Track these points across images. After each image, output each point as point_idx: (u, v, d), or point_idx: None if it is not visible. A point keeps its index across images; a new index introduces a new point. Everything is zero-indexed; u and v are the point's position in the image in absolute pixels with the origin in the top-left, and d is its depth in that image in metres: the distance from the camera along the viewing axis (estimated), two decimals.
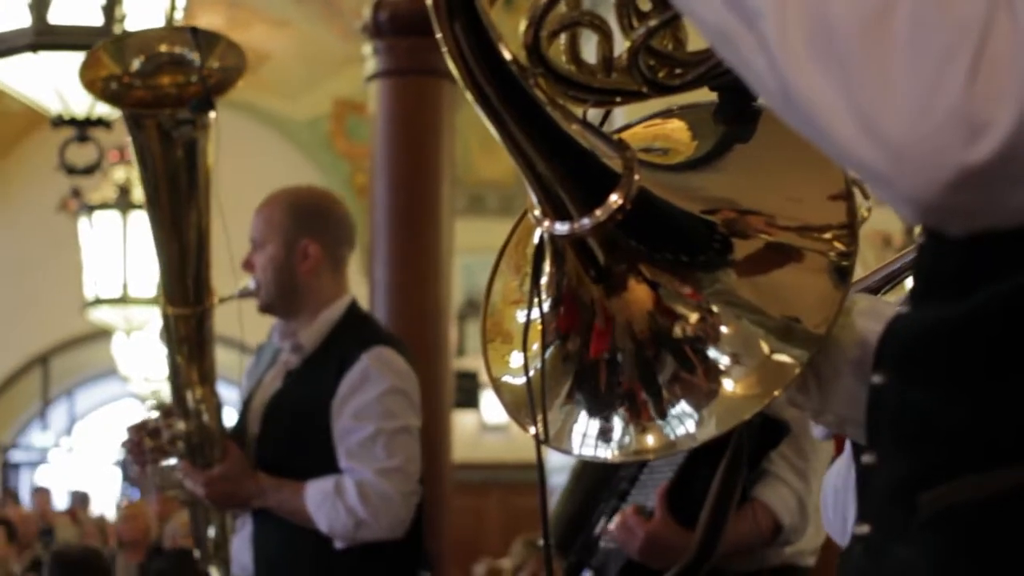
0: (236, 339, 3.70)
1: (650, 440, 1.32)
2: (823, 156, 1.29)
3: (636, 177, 1.28)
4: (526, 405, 1.39)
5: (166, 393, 3.91)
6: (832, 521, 3.06)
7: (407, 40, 5.66)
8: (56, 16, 5.23)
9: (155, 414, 3.80)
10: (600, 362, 1.34)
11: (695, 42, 1.30)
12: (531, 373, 1.39)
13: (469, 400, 14.39)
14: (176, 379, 3.71)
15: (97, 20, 5.28)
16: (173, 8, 5.35)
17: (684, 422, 1.29)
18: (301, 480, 3.62)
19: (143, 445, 3.78)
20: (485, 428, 15.27)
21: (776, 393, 1.28)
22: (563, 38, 1.34)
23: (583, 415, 1.35)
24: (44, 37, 5.25)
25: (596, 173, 1.29)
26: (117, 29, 5.23)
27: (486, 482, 14.36)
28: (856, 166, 0.91)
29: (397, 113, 5.73)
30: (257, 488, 3.63)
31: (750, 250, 1.30)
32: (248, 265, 3.75)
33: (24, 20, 5.30)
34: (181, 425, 3.67)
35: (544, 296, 1.39)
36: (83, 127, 5.51)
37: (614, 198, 1.27)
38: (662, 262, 1.31)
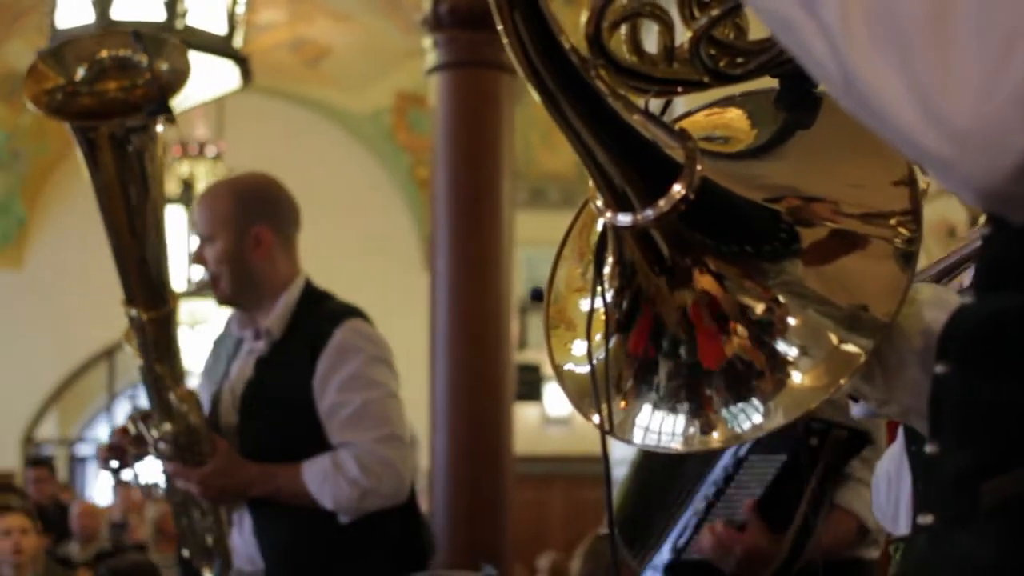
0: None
1: (715, 433, 1.31)
2: (884, 142, 1.28)
3: (698, 167, 1.27)
4: (589, 395, 1.38)
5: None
6: (884, 507, 3.04)
7: (467, 33, 5.65)
8: (119, 12, 5.26)
9: (130, 423, 3.82)
10: (663, 357, 1.33)
11: (756, 30, 1.28)
12: (594, 362, 1.38)
13: (531, 393, 14.39)
14: (155, 382, 3.71)
15: (159, 15, 5.30)
16: (235, 3, 5.37)
17: (750, 414, 1.28)
18: (289, 463, 3.64)
19: (126, 452, 3.82)
20: (548, 421, 15.25)
21: (842, 382, 1.26)
22: (624, 29, 1.32)
23: (647, 407, 1.35)
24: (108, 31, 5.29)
25: (658, 164, 1.27)
26: (179, 24, 5.26)
27: (549, 475, 14.35)
28: (918, 152, 0.90)
29: (458, 106, 5.72)
30: (251, 478, 3.64)
31: (814, 238, 1.28)
32: (199, 259, 3.77)
33: (87, 16, 5.34)
34: (167, 427, 3.67)
35: (607, 286, 1.37)
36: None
37: (677, 188, 1.26)
38: (726, 253, 1.29)
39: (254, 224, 3.74)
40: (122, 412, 19.58)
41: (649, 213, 1.27)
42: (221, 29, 5.32)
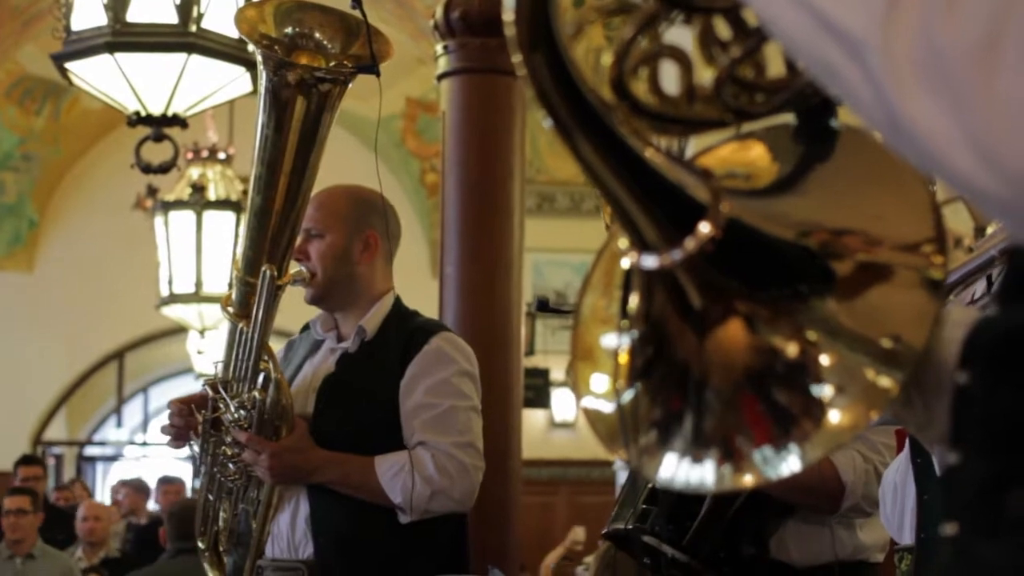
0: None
1: (748, 478, 1.26)
2: (906, 170, 1.27)
3: (724, 207, 1.24)
4: (617, 434, 1.35)
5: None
6: (890, 516, 3.06)
7: (479, 39, 5.67)
8: (134, 15, 5.30)
9: (209, 387, 3.81)
10: (691, 402, 1.30)
11: (775, 66, 1.28)
12: (621, 403, 1.35)
13: (539, 398, 14.41)
14: (259, 349, 3.69)
15: (173, 19, 5.34)
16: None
17: (784, 458, 1.24)
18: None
19: (193, 420, 3.82)
20: (554, 425, 15.28)
21: (873, 416, 1.23)
22: (644, 70, 1.30)
23: (675, 451, 1.30)
24: (121, 36, 5.33)
25: (683, 205, 1.25)
26: (192, 28, 5.30)
27: (554, 479, 14.37)
28: (975, 194, 0.88)
29: (468, 112, 5.74)
30: (321, 461, 3.67)
31: (843, 272, 1.26)
32: (302, 253, 3.77)
33: (101, 19, 5.38)
34: (256, 395, 3.66)
35: (633, 328, 1.34)
36: (159, 125, 5.58)
37: (703, 229, 1.23)
38: (755, 293, 1.27)
39: (367, 228, 3.81)
40: (131, 415, 19.61)
41: (675, 255, 1.23)
42: (234, 34, 5.37)
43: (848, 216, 1.30)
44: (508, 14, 1.17)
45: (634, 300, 1.33)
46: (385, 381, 3.70)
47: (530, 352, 11.63)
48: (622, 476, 11.29)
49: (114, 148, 15.42)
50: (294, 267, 3.76)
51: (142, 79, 5.42)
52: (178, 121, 5.57)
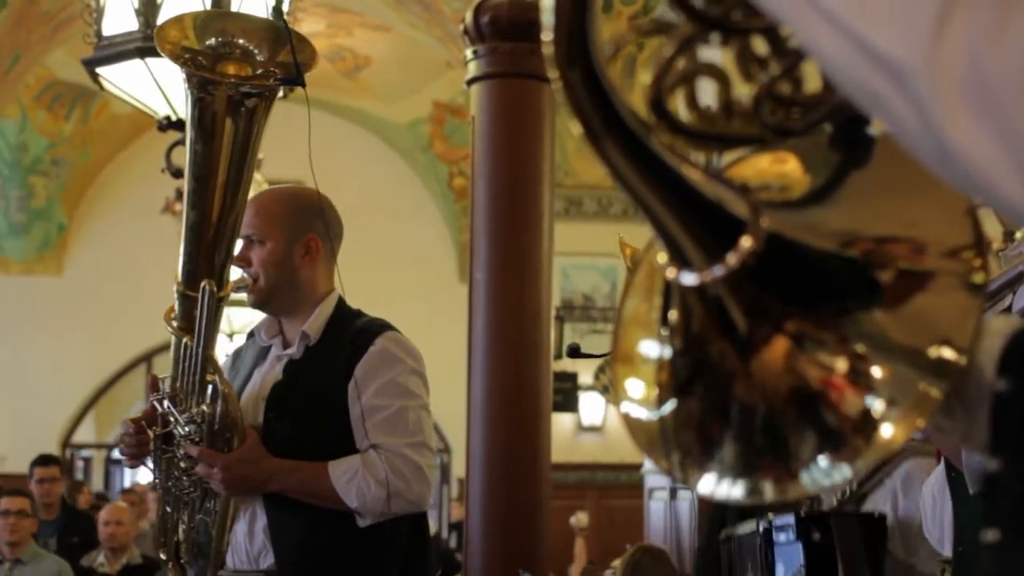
0: None
1: (793, 490, 1.25)
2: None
3: (764, 221, 1.22)
4: (657, 444, 1.33)
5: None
6: (931, 530, 3.06)
7: (508, 43, 5.67)
8: (163, 20, 5.31)
9: (156, 403, 3.77)
10: (735, 418, 1.28)
11: (812, 81, 1.27)
12: (661, 415, 1.33)
13: (567, 403, 14.40)
14: (203, 363, 3.67)
15: None
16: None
17: (831, 473, 1.22)
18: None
19: (145, 437, 3.78)
20: (582, 429, 15.28)
21: (919, 424, 1.21)
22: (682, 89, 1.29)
23: (719, 469, 1.28)
24: (152, 41, 5.34)
25: (722, 221, 1.23)
26: None
27: (582, 483, 14.36)
28: None
29: (497, 116, 5.74)
30: (274, 470, 3.65)
31: (887, 282, 1.24)
32: (242, 259, 3.76)
33: (132, 24, 5.40)
34: (204, 408, 3.65)
35: (673, 340, 1.33)
36: None
37: (744, 245, 1.21)
38: (799, 308, 1.25)
39: (307, 232, 3.79)
40: None
41: (716, 271, 1.22)
42: None
43: (888, 224, 1.29)
44: (547, 33, 1.17)
45: (674, 314, 1.32)
46: (333, 385, 3.69)
47: (558, 356, 11.61)
48: (649, 480, 11.30)
49: (143, 152, 15.48)
50: (238, 273, 3.76)
51: (172, 84, 5.43)
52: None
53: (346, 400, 3.68)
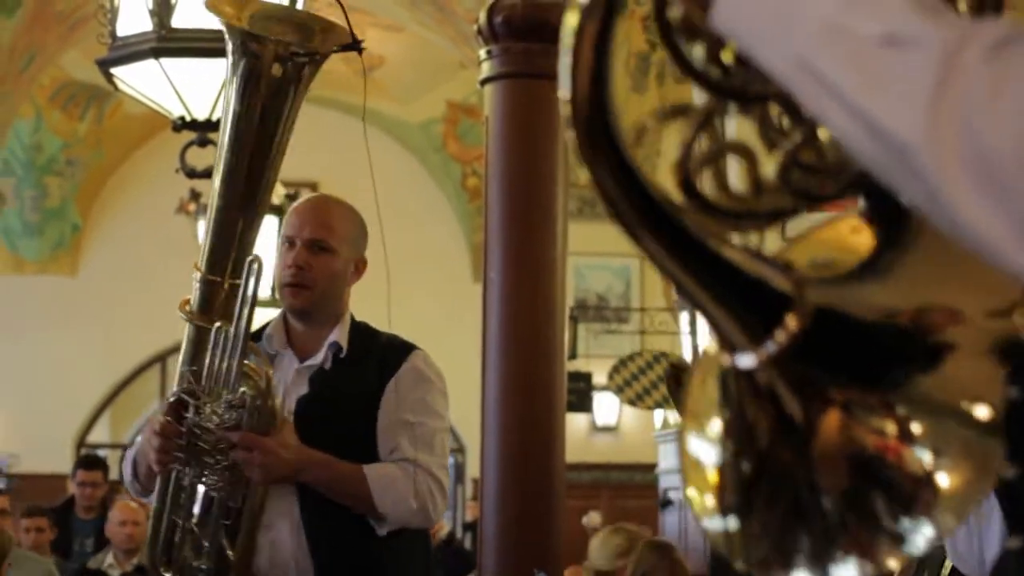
0: None
1: (886, 560, 1.21)
2: None
3: (810, 296, 1.21)
4: (738, 549, 1.29)
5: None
6: (964, 555, 3.01)
7: (522, 44, 5.67)
8: (179, 20, 5.33)
9: (178, 399, 3.65)
10: (806, 507, 1.25)
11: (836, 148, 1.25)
12: (731, 522, 1.30)
13: (581, 402, 14.40)
14: (242, 346, 3.57)
15: (218, 24, 5.36)
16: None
17: (915, 533, 1.19)
18: None
19: (177, 429, 3.61)
20: (596, 429, 15.27)
21: (992, 482, 1.18)
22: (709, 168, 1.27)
23: (807, 562, 1.24)
24: (166, 42, 5.35)
25: (767, 300, 1.21)
26: None
27: (596, 483, 14.36)
28: None
29: (511, 116, 5.74)
30: (310, 460, 3.63)
31: (937, 348, 1.22)
32: (305, 263, 3.72)
33: (146, 25, 5.41)
34: (245, 390, 3.57)
35: (731, 438, 1.30)
36: (203, 130, 5.60)
37: (790, 324, 1.19)
38: (851, 382, 1.23)
39: (361, 252, 3.88)
40: None
41: (766, 349, 1.20)
42: None
43: (934, 291, 1.27)
44: (569, 133, 1.18)
45: (726, 411, 1.30)
46: (366, 395, 3.71)
47: (572, 356, 11.62)
48: (664, 480, 11.30)
49: (157, 153, 15.51)
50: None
51: (187, 84, 5.44)
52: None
53: (375, 411, 3.70)
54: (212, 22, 5.37)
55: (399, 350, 3.80)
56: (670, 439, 11.39)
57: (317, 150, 15.88)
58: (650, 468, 11.73)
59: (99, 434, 18.14)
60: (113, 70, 5.58)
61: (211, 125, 5.56)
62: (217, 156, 3.61)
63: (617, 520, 13.74)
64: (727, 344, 1.24)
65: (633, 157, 1.19)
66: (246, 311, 3.57)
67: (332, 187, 16.32)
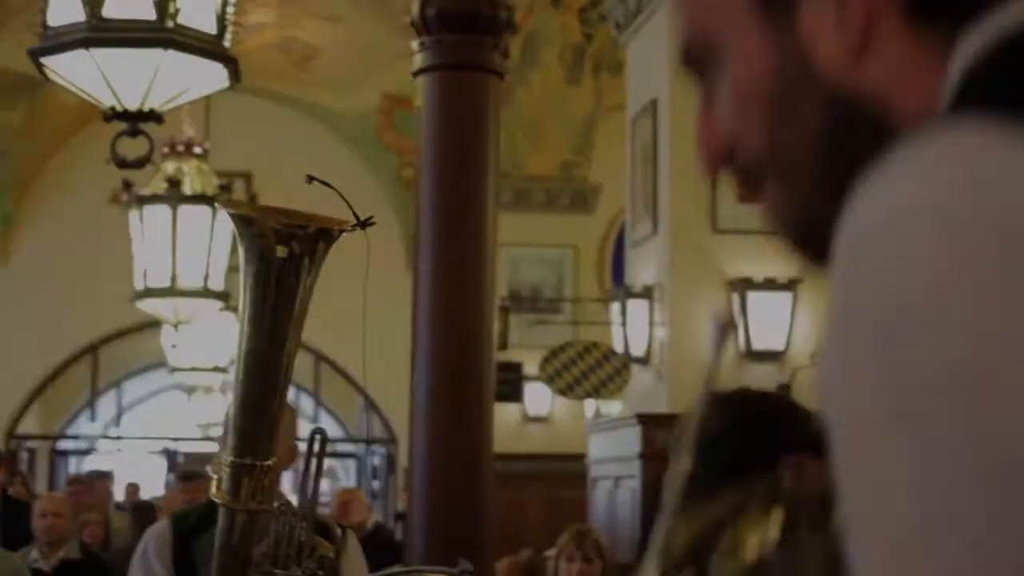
0: None
1: None
2: None
3: None
4: None
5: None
6: None
7: (455, 35, 5.71)
8: (110, 10, 5.32)
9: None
10: None
11: None
12: None
13: (512, 392, 14.44)
14: (311, 520, 3.54)
15: (150, 14, 5.36)
16: (224, 4, 5.43)
17: None
18: None
19: None
20: (527, 419, 15.32)
21: None
22: None
23: None
24: (98, 32, 5.34)
25: None
26: (169, 24, 5.32)
27: (528, 473, 14.41)
28: None
29: (444, 107, 5.78)
30: None
31: None
32: None
33: (78, 15, 5.39)
34: (326, 552, 3.59)
35: None
36: (135, 121, 5.59)
37: None
38: None
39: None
40: (105, 408, 19.59)
41: None
42: (211, 29, 5.39)
43: None
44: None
45: None
46: None
47: (503, 346, 11.67)
48: (594, 470, 11.37)
49: (89, 143, 15.39)
50: None
51: (118, 74, 5.43)
52: (154, 116, 5.58)
53: None
54: (144, 11, 5.38)
55: None
56: (600, 429, 11.47)
57: (250, 140, 15.85)
58: (581, 458, 11.79)
59: (29, 425, 18.01)
60: (44, 60, 5.56)
61: (142, 115, 5.55)
62: (239, 338, 3.48)
63: (550, 510, 13.80)
64: None
65: None
66: (315, 484, 3.51)
67: (266, 178, 16.30)
